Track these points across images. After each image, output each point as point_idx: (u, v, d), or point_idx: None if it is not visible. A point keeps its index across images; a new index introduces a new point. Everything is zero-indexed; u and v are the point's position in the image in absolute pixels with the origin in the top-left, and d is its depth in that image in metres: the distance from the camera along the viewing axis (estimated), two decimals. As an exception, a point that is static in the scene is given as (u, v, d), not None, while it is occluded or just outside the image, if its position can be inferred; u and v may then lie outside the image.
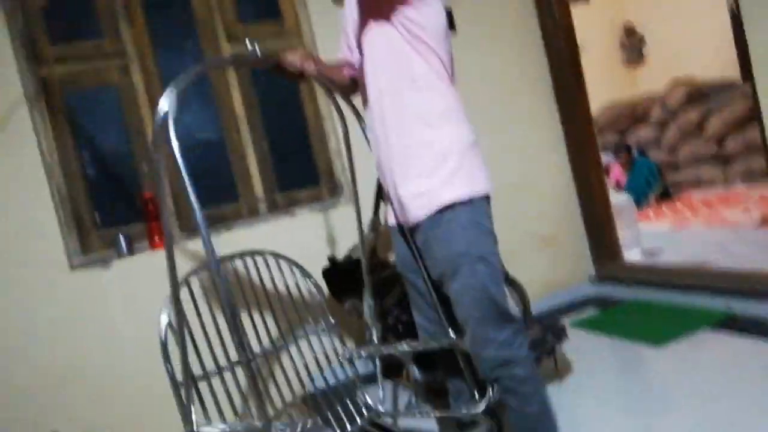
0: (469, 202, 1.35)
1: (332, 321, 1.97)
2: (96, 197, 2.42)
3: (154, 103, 2.50)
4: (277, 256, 1.94)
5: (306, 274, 2.00)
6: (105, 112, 2.50)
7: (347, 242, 2.60)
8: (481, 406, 1.43)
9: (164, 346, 1.49)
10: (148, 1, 2.50)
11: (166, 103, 1.19)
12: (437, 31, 1.37)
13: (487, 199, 1.40)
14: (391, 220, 1.55)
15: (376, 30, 1.38)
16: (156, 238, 2.38)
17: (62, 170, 2.33)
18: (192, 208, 1.16)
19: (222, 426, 1.51)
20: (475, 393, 1.51)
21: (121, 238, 2.33)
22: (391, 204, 1.50)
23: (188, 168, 1.17)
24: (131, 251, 2.35)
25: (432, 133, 1.36)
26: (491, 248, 1.38)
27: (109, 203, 2.45)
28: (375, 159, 1.50)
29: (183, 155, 1.14)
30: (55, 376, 2.21)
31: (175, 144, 1.18)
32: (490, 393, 1.39)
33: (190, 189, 1.14)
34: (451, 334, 1.49)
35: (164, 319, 1.55)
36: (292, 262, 1.97)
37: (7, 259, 2.19)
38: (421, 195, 1.37)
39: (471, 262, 1.33)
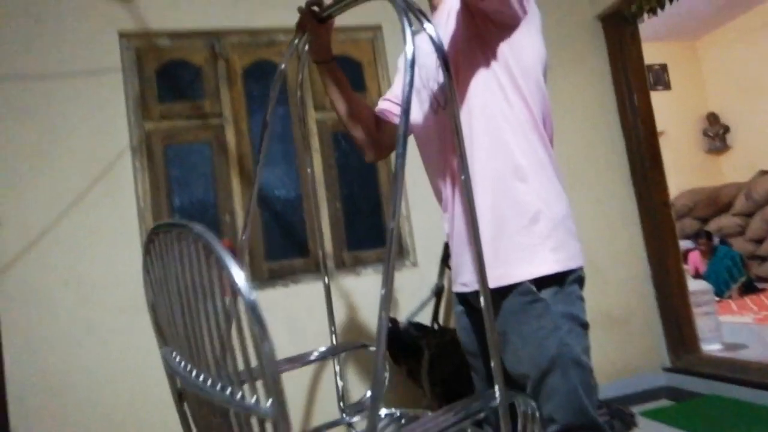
0: (560, 284, 1.15)
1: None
2: (180, 242, 2.59)
3: (242, 161, 2.70)
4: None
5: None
6: (196, 165, 2.72)
7: (410, 305, 2.61)
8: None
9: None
10: (247, 71, 2.76)
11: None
12: (536, 72, 1.19)
13: (581, 280, 1.20)
14: (455, 288, 1.34)
15: (465, 69, 1.19)
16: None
17: (153, 214, 2.53)
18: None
19: None
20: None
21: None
22: (458, 268, 1.31)
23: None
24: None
25: (524, 188, 1.17)
26: (585, 344, 1.17)
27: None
28: (445, 217, 1.33)
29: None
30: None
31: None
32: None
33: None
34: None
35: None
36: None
37: (89, 296, 2.36)
38: (498, 261, 1.16)
39: (563, 367, 1.13)
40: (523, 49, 1.18)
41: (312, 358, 1.46)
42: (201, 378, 0.86)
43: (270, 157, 2.83)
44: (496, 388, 1.02)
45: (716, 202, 5.88)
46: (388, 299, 0.86)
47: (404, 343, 2.35)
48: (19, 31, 2.43)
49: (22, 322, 2.29)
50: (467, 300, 1.32)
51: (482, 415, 1.10)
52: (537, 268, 1.15)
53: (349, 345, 1.58)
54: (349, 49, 2.89)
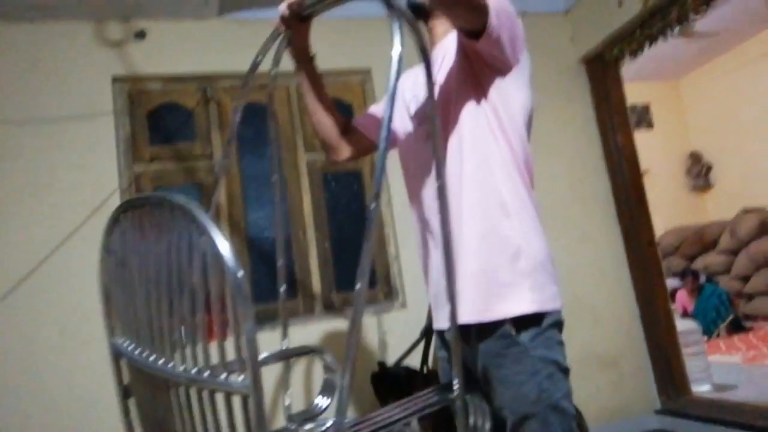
0: (538, 327, 1.16)
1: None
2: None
3: (231, 201, 2.71)
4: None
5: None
6: (186, 207, 2.72)
7: (399, 347, 2.59)
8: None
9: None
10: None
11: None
12: (520, 121, 1.24)
13: (559, 324, 1.20)
14: (436, 324, 1.34)
15: (458, 104, 1.24)
16: (211, 330, 2.46)
17: (141, 257, 2.52)
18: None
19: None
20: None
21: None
22: (439, 302, 1.30)
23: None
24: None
25: (508, 225, 1.19)
26: (566, 390, 1.17)
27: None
28: (421, 253, 1.35)
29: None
30: None
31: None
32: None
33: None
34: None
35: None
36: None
37: (77, 335, 2.34)
38: (479, 296, 1.17)
39: (543, 412, 1.14)
40: (511, 97, 1.23)
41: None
42: (161, 362, 0.84)
43: (259, 198, 2.84)
44: (455, 382, 1.05)
45: (702, 240, 5.95)
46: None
47: (393, 387, 2.33)
48: (16, 76, 2.47)
49: (6, 362, 2.26)
50: (448, 343, 1.30)
51: (436, 408, 1.11)
52: (516, 306, 1.16)
53: (299, 350, 1.52)
54: (340, 93, 2.94)
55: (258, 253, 2.76)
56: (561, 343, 1.21)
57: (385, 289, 2.85)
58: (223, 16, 2.74)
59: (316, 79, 1.42)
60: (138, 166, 2.61)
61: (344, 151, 1.48)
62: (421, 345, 2.51)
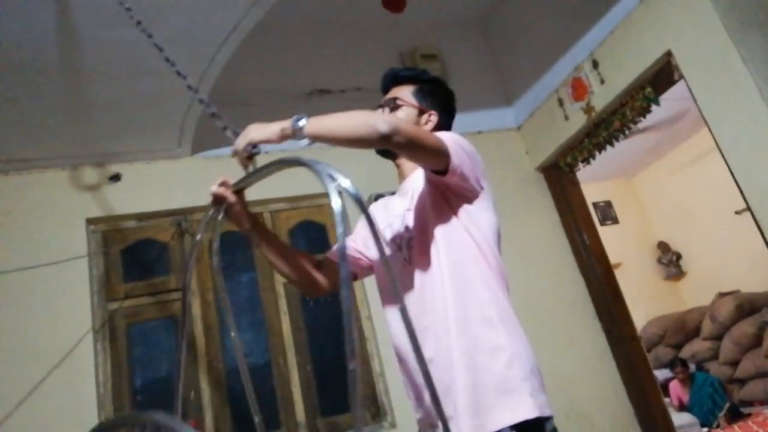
0: None
1: None
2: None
3: (208, 332, 2.67)
4: None
5: None
6: (161, 342, 2.66)
7: (391, 474, 2.46)
8: None
9: None
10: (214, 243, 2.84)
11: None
12: (491, 239, 1.33)
13: None
14: None
15: (434, 226, 1.32)
16: (196, 470, 2.33)
17: (113, 401, 2.42)
18: None
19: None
20: None
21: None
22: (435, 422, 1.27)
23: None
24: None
25: (495, 335, 1.23)
26: None
27: None
28: (405, 374, 1.37)
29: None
30: None
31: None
32: None
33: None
34: None
35: None
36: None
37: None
38: (478, 409, 1.16)
39: None
40: (480, 219, 1.33)
41: None
42: None
43: (237, 324, 2.80)
44: None
45: (684, 328, 5.95)
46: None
47: None
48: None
49: None
50: None
51: None
52: (517, 412, 1.15)
53: None
54: (313, 215, 3.03)
55: (237, 384, 2.67)
56: None
57: (372, 409, 2.75)
58: (196, 154, 2.87)
59: (268, 237, 1.44)
60: (112, 305, 2.58)
61: (321, 285, 1.49)
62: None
